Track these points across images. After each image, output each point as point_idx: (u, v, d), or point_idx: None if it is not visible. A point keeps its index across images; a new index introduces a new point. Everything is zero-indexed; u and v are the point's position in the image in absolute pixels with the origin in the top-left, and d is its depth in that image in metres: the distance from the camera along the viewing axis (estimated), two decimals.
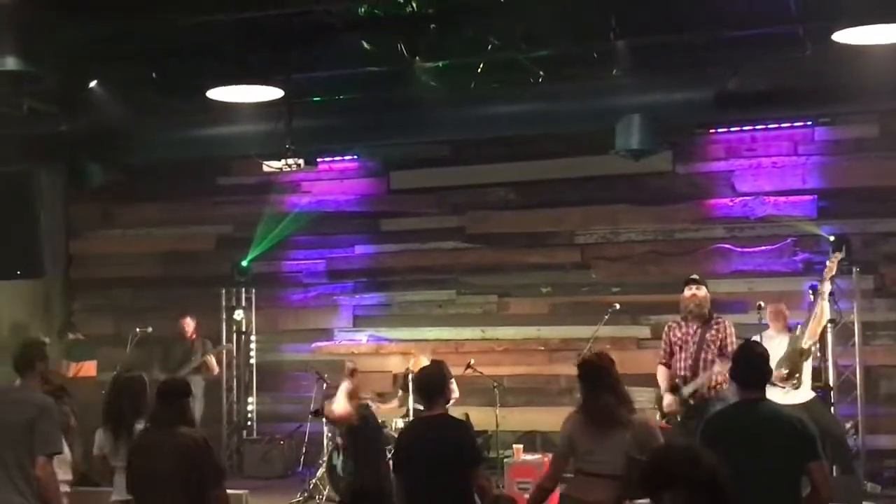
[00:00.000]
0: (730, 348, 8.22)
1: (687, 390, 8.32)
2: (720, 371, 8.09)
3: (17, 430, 5.71)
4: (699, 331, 8.46)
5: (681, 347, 8.52)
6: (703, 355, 8.36)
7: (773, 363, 8.61)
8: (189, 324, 11.93)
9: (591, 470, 5.47)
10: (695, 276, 8.86)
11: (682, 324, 8.61)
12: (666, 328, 8.79)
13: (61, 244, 13.83)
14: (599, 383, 5.55)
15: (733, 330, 8.52)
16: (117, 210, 13.78)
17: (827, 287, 9.40)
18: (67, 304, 13.94)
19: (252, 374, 13.01)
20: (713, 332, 8.43)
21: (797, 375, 9.07)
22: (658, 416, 8.83)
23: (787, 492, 4.93)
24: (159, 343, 11.92)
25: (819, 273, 10.03)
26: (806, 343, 9.13)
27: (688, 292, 8.64)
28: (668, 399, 8.48)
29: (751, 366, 5.26)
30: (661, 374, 8.64)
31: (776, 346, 8.99)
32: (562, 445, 5.71)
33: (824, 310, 9.34)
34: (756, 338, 9.13)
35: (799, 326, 9.32)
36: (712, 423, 5.35)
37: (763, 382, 5.25)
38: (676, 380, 8.44)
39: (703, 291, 8.61)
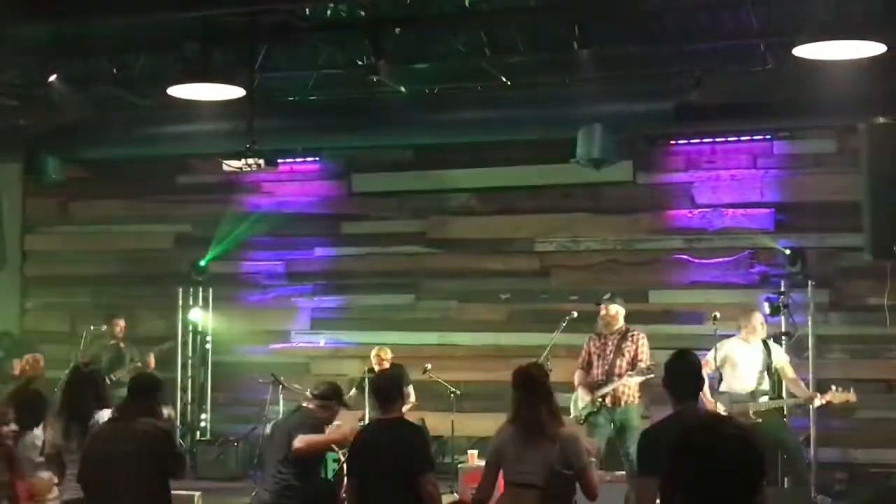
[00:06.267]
0: (641, 363, 9.00)
1: (601, 392, 9.11)
2: (627, 384, 9.01)
3: None
4: (616, 341, 9.25)
5: (598, 356, 9.32)
6: (617, 362, 9.14)
7: (753, 371, 9.00)
8: (119, 324, 11.79)
9: (518, 480, 5.47)
10: (607, 295, 9.47)
11: (602, 336, 9.37)
12: (587, 339, 9.49)
13: (16, 239, 13.67)
14: (535, 394, 5.53)
15: (646, 342, 9.20)
16: (75, 206, 13.63)
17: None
18: (21, 302, 13.77)
19: (207, 375, 12.91)
20: (628, 343, 9.21)
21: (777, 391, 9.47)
22: (572, 416, 9.08)
23: None
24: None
25: (775, 285, 10.14)
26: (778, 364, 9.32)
27: (601, 311, 9.36)
28: (583, 394, 9.21)
29: (681, 376, 5.11)
30: (578, 376, 9.37)
31: (751, 353, 9.19)
32: (490, 456, 5.72)
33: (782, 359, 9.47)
34: (719, 344, 9.10)
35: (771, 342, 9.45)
36: (658, 440, 4.89)
37: (696, 392, 5.14)
38: (593, 381, 9.23)
39: (613, 309, 9.31)
